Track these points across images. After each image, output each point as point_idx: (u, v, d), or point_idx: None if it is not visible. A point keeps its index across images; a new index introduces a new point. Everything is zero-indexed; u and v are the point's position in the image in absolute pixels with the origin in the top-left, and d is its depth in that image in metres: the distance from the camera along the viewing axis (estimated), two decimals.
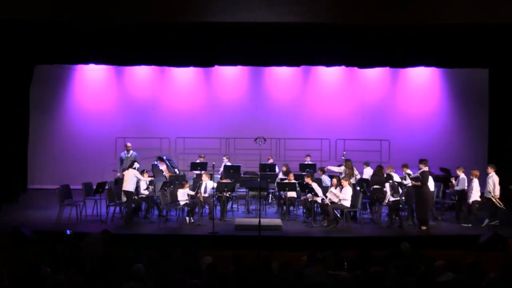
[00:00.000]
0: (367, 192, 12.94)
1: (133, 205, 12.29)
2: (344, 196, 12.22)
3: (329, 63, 15.37)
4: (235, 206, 13.89)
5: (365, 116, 17.41)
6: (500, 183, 12.64)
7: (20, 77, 14.69)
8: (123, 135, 16.58)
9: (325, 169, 14.09)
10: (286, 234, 11.58)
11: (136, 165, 12.78)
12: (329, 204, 12.22)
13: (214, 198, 12.83)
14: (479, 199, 12.41)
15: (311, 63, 15.52)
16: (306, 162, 14.91)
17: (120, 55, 14.37)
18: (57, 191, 12.67)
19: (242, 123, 17.09)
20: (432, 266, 7.57)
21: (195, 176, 14.35)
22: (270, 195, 14.31)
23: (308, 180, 12.59)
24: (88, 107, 17.52)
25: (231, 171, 14.23)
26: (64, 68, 16.94)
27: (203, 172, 13.59)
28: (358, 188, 13.04)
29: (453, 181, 13.01)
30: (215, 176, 13.31)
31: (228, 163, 14.78)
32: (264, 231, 10.88)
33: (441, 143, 17.21)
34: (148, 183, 12.81)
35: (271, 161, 14.99)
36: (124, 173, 12.69)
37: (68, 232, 10.35)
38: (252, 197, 13.89)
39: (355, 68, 16.41)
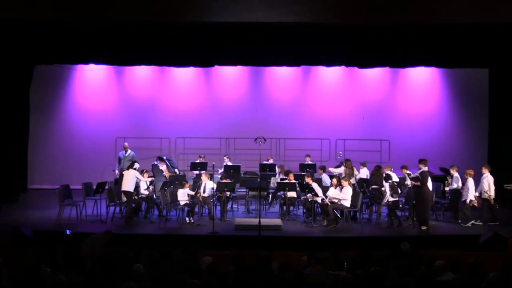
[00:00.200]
0: (367, 192, 12.94)
1: (133, 205, 12.29)
2: (344, 196, 12.22)
3: (329, 63, 15.37)
4: (235, 206, 13.90)
5: (365, 116, 17.42)
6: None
7: (20, 77, 14.70)
8: (123, 135, 16.58)
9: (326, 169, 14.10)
10: (286, 234, 11.58)
11: (137, 165, 12.78)
12: (329, 204, 12.22)
13: (214, 198, 12.83)
14: (474, 198, 12.41)
15: (311, 63, 15.52)
16: (306, 162, 14.91)
17: (120, 55, 14.37)
18: (57, 191, 12.67)
19: (242, 123, 17.09)
20: (432, 266, 7.57)
21: (195, 176, 14.35)
22: (270, 195, 14.29)
23: (308, 180, 12.59)
24: (88, 107, 17.53)
25: (231, 171, 14.24)
26: (64, 68, 16.94)
27: (202, 172, 13.59)
28: (357, 188, 13.05)
29: (449, 179, 13.02)
30: (215, 176, 13.31)
31: (229, 163, 14.78)
32: (264, 231, 10.88)
33: (441, 143, 17.22)
34: (148, 183, 12.81)
35: (271, 161, 14.99)
36: (124, 173, 12.67)
37: (68, 232, 10.34)
38: (252, 197, 13.89)
39: (355, 68, 16.43)
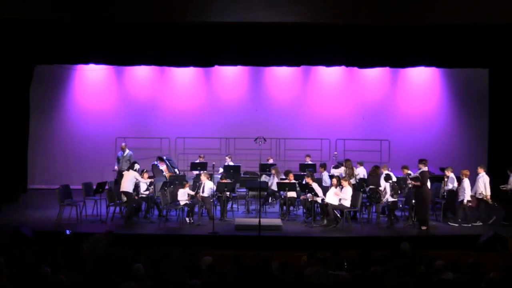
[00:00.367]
0: (367, 192, 12.94)
1: (133, 205, 12.29)
2: (344, 196, 12.22)
3: (329, 63, 15.37)
4: (235, 206, 13.89)
5: (365, 116, 17.42)
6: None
7: (20, 77, 14.70)
8: (123, 135, 16.58)
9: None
10: (286, 234, 11.58)
11: (137, 166, 12.79)
12: (329, 204, 12.22)
13: (214, 198, 12.82)
14: (470, 198, 12.41)
15: (311, 63, 15.52)
16: (306, 162, 14.91)
17: (120, 55, 14.37)
18: (57, 191, 12.67)
19: (242, 123, 17.10)
20: (432, 266, 7.57)
21: (195, 176, 14.35)
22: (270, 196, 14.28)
23: (308, 180, 12.60)
24: (88, 107, 17.53)
25: (231, 171, 14.24)
26: (64, 68, 16.95)
27: (202, 172, 13.59)
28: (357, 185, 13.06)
29: (445, 180, 13.03)
30: (215, 176, 13.31)
31: (231, 163, 14.78)
32: (264, 231, 10.88)
33: (441, 143, 17.23)
34: (148, 184, 12.81)
35: (271, 161, 14.99)
36: (124, 173, 12.68)
37: (68, 232, 10.34)
38: (252, 197, 13.89)
39: (355, 68, 16.43)
